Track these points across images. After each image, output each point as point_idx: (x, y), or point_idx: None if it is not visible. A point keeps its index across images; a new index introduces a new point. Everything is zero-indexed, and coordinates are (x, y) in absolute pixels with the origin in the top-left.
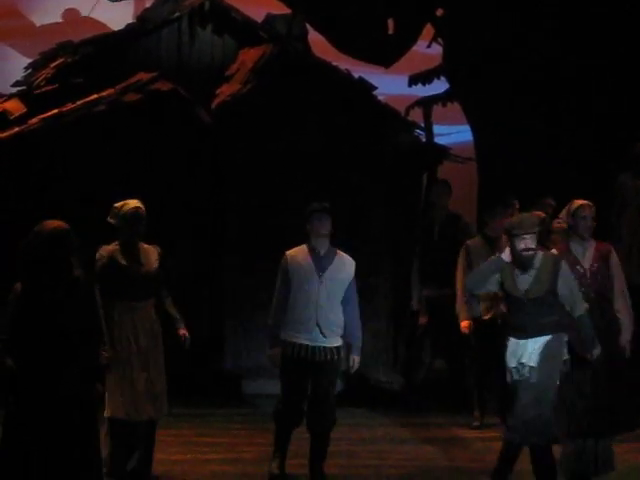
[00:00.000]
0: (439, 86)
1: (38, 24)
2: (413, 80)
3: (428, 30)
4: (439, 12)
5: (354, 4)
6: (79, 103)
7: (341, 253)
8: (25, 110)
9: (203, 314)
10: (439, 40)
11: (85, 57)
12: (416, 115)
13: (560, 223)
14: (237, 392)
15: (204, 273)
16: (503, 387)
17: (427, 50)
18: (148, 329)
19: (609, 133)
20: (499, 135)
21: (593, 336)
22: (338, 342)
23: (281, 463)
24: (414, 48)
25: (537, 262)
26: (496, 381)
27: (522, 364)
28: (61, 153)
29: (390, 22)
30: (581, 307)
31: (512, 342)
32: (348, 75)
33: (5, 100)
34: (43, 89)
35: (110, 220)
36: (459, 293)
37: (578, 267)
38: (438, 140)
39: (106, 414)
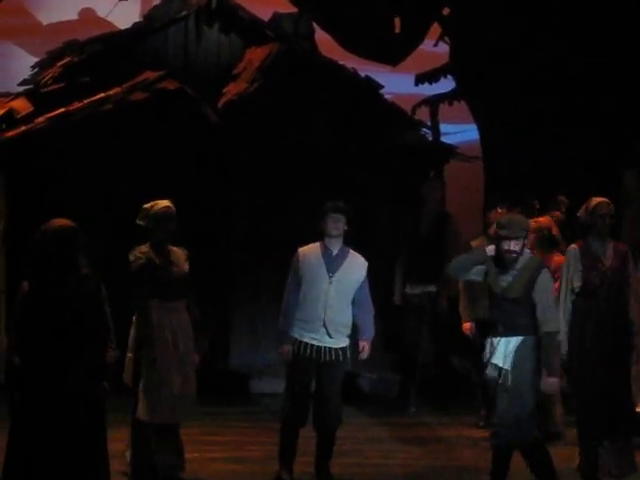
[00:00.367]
0: (446, 85)
1: (45, 23)
2: (420, 79)
3: (435, 29)
4: (446, 11)
5: (361, 3)
6: (86, 102)
7: (354, 253)
8: (32, 109)
9: (209, 313)
10: (446, 39)
11: (92, 56)
12: (423, 114)
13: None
14: (244, 391)
15: (211, 271)
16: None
17: (434, 49)
18: (185, 330)
19: (614, 131)
20: (505, 134)
21: (551, 362)
22: (345, 343)
23: (290, 468)
24: (421, 47)
25: (520, 263)
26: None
27: (494, 365)
28: (68, 152)
29: (397, 21)
30: (550, 324)
31: (488, 340)
32: (355, 74)
33: (12, 99)
34: (50, 88)
35: (139, 222)
36: (462, 295)
37: (600, 265)
38: (444, 139)
39: (138, 416)
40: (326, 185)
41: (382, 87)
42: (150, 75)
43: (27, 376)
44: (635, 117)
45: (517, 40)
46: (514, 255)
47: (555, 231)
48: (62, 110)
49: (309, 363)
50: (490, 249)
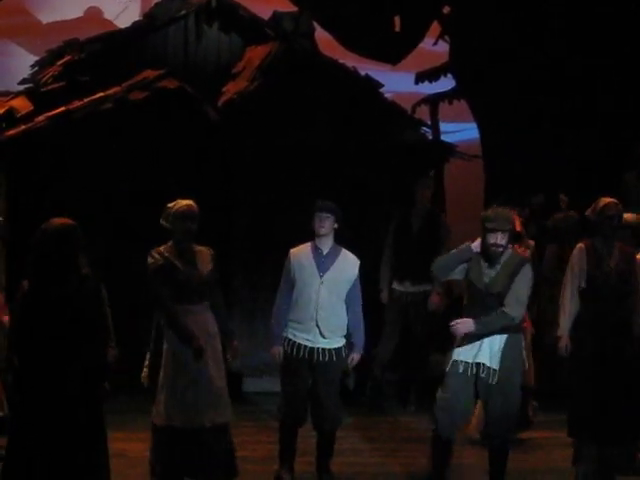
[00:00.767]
0: (446, 84)
1: (45, 22)
2: (420, 78)
3: (435, 28)
4: (446, 10)
5: (361, 1)
6: (86, 101)
7: (345, 252)
8: (32, 108)
9: None
10: (446, 38)
11: (92, 55)
12: (422, 113)
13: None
14: (238, 390)
15: None
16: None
17: (434, 48)
18: (207, 334)
19: (614, 132)
20: (505, 133)
21: (487, 324)
22: (339, 343)
23: (290, 467)
24: (421, 46)
25: (504, 258)
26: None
27: (479, 364)
28: (68, 151)
29: (397, 20)
30: (513, 309)
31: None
32: (355, 73)
33: (12, 98)
34: (50, 87)
35: (163, 222)
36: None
37: (604, 266)
38: (444, 138)
39: (155, 421)
40: (326, 184)
41: (382, 86)
42: (150, 74)
43: (27, 376)
44: (635, 118)
45: (517, 39)
46: (500, 249)
47: (518, 227)
48: (62, 109)
49: (302, 364)
50: (475, 245)
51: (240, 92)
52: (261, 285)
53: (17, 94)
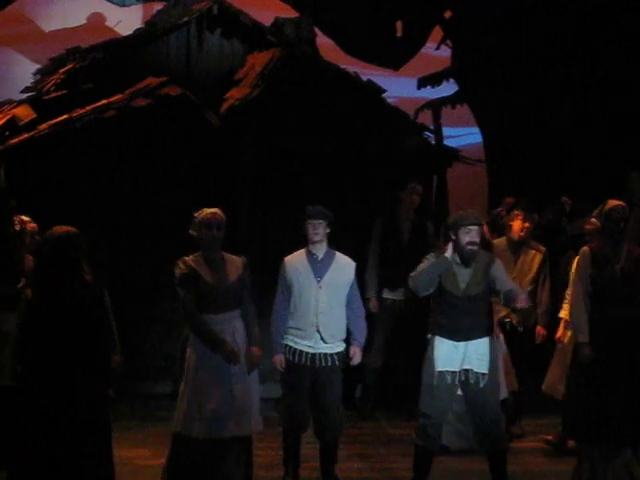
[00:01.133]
0: (448, 88)
1: (47, 30)
2: (422, 82)
3: (437, 32)
4: (448, 14)
5: (363, 7)
6: (88, 108)
7: (340, 255)
8: (35, 116)
9: None
10: (448, 42)
11: (94, 62)
12: (425, 117)
13: (591, 224)
14: None
15: None
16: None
17: (436, 52)
18: (232, 343)
19: (619, 135)
20: (508, 137)
21: (512, 295)
22: (340, 347)
23: (295, 473)
24: (423, 50)
25: (475, 258)
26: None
27: (467, 370)
28: (71, 159)
29: (399, 25)
30: (505, 284)
31: (446, 344)
32: (357, 78)
33: (15, 106)
34: (52, 95)
35: (191, 232)
36: None
37: (609, 268)
38: (447, 142)
39: (175, 429)
40: (329, 190)
41: (384, 91)
42: (152, 81)
43: (31, 383)
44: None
45: (519, 43)
46: (476, 247)
47: (486, 232)
48: (65, 117)
49: (304, 370)
50: (448, 254)
51: (242, 98)
52: (262, 290)
53: (20, 102)
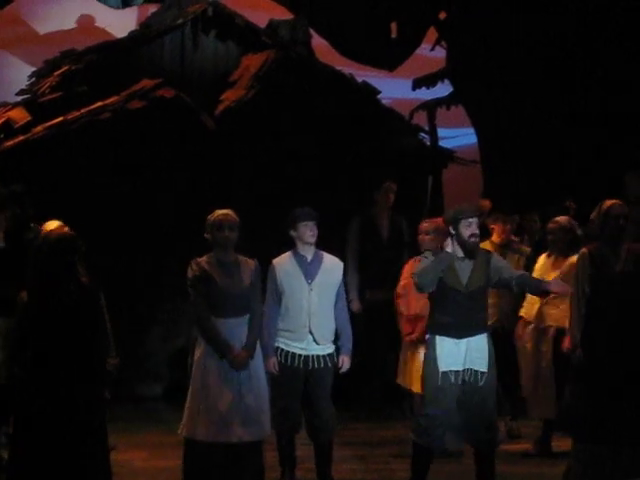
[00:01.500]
0: (443, 89)
1: (42, 32)
2: (417, 83)
3: (432, 33)
4: (442, 16)
5: (357, 8)
6: (83, 111)
7: (327, 256)
8: (30, 118)
9: None
10: (443, 43)
11: (89, 65)
12: (420, 118)
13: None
14: None
15: None
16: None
17: (431, 53)
18: (239, 348)
19: (614, 136)
20: (503, 138)
21: (532, 280)
22: (331, 349)
23: (291, 475)
24: (418, 51)
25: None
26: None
27: (470, 370)
28: (66, 161)
29: (393, 26)
30: (513, 271)
31: (448, 342)
32: (352, 79)
33: (10, 109)
34: (47, 97)
35: (206, 236)
36: None
37: (608, 270)
38: (442, 143)
39: (183, 434)
40: (323, 191)
41: (379, 92)
42: (147, 83)
43: (28, 386)
44: (632, 123)
45: (514, 44)
46: (477, 239)
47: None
48: (60, 119)
49: (296, 373)
50: (448, 247)
51: (237, 100)
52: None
53: (15, 105)
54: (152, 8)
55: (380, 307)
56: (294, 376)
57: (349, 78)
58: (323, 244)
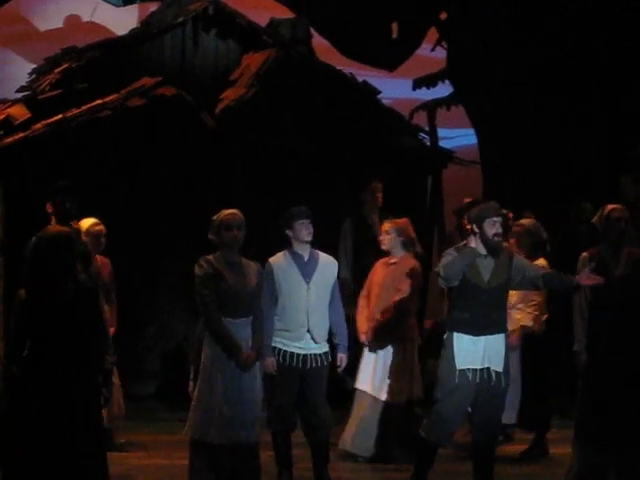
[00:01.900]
0: (443, 89)
1: (42, 29)
2: (417, 84)
3: (432, 34)
4: (443, 16)
5: (358, 8)
6: (84, 108)
7: (322, 255)
8: (30, 115)
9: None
10: (443, 44)
11: (89, 62)
12: (420, 119)
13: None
14: None
15: None
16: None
17: (431, 53)
18: (246, 349)
19: (612, 137)
20: (503, 138)
21: (560, 277)
22: (326, 347)
23: (288, 474)
24: (418, 52)
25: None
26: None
27: (487, 369)
28: (65, 158)
29: (394, 26)
30: (538, 269)
31: (466, 340)
32: (352, 79)
33: (9, 106)
34: (47, 94)
35: (211, 237)
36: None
37: (608, 273)
38: (442, 143)
39: (189, 435)
40: (323, 190)
41: (379, 92)
42: (148, 81)
43: (25, 384)
44: (631, 122)
45: (514, 44)
46: (501, 239)
47: (411, 233)
48: (60, 116)
49: (294, 372)
50: (471, 244)
51: (237, 99)
52: None
53: (15, 102)
54: (153, 6)
55: None
56: (292, 375)
57: (349, 78)
58: (320, 243)
